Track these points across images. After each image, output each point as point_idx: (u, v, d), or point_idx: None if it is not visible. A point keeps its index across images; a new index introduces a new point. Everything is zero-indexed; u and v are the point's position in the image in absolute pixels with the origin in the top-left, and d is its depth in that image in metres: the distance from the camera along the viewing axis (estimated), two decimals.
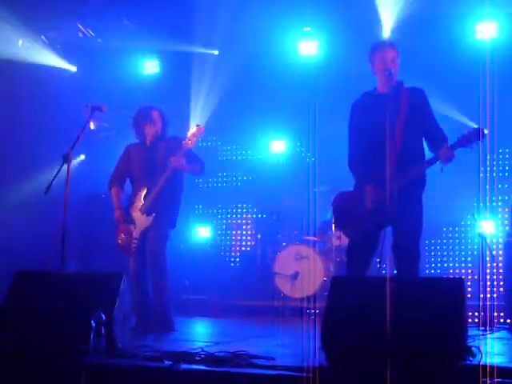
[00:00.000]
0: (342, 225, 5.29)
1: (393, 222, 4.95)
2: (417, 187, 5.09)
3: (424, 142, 5.21)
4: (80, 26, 9.71)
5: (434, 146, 5.08)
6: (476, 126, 4.98)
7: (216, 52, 9.82)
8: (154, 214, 6.31)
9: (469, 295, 7.88)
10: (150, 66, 10.56)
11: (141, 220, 6.36)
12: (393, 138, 4.91)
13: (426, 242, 8.86)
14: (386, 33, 8.59)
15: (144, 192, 6.38)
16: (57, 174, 5.63)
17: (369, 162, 5.11)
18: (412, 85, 5.30)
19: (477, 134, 4.85)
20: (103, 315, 4.29)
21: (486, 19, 8.50)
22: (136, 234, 6.35)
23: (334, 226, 8.36)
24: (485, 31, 8.54)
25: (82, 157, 10.55)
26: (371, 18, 8.51)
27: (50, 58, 10.00)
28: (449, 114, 8.53)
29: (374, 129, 5.07)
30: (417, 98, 5.19)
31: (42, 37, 9.77)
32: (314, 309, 7.47)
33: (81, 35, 9.83)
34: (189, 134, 6.39)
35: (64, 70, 10.27)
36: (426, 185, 5.16)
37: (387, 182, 4.88)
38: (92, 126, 9.64)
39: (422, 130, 5.13)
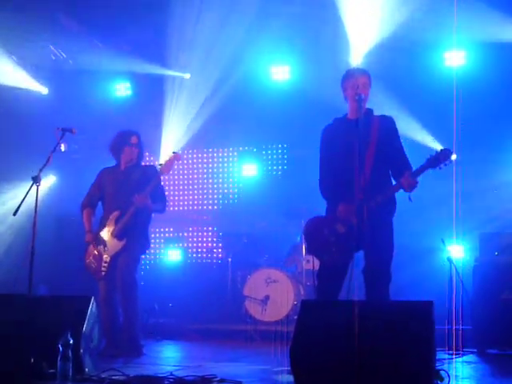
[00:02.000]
0: (315, 250, 5.27)
1: (364, 246, 4.97)
2: (387, 212, 5.14)
3: None
4: (52, 48, 9.68)
5: (398, 174, 5.10)
6: (443, 148, 5.04)
7: (188, 76, 9.85)
8: (125, 239, 6.28)
9: (437, 319, 7.92)
10: (121, 89, 10.57)
11: (112, 244, 6.32)
12: (363, 163, 4.95)
13: (396, 265, 8.89)
14: (358, 59, 8.70)
15: (116, 216, 6.35)
16: (26, 195, 5.58)
17: (340, 187, 5.15)
18: (382, 110, 5.37)
19: (445, 154, 4.93)
20: (71, 338, 4.24)
21: (454, 47, 8.66)
22: (106, 257, 6.31)
23: (305, 250, 8.39)
24: (453, 59, 8.71)
25: (53, 178, 10.47)
26: (343, 44, 8.62)
27: (20, 79, 9.94)
28: (418, 137, 8.65)
29: (345, 154, 5.10)
30: (387, 125, 5.26)
31: (13, 57, 9.72)
32: (284, 333, 7.45)
33: (53, 57, 9.80)
34: (165, 160, 6.40)
35: (35, 91, 10.21)
36: (397, 209, 5.22)
37: (357, 206, 4.90)
38: (63, 147, 9.58)
39: (389, 157, 5.18)
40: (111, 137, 6.65)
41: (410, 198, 5.06)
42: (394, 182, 5.20)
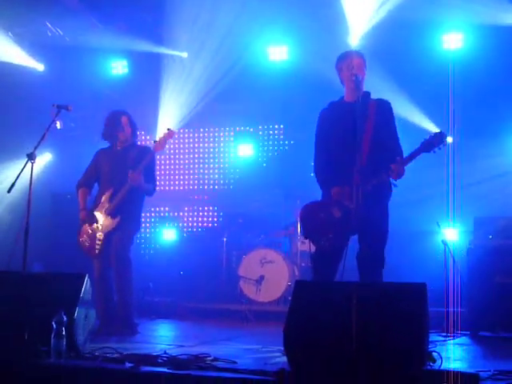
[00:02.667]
0: (311, 235, 5.21)
1: (359, 229, 4.97)
2: (383, 196, 5.12)
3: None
4: (48, 25, 9.61)
5: (390, 159, 5.02)
6: (438, 131, 5.02)
7: (185, 55, 9.80)
8: (119, 217, 6.27)
9: (431, 301, 7.96)
10: (118, 67, 10.51)
11: (105, 222, 6.31)
12: (360, 147, 4.93)
13: (390, 248, 8.90)
14: (356, 40, 8.66)
15: (109, 194, 6.33)
16: (20, 172, 5.55)
17: (336, 171, 5.13)
18: (380, 92, 5.34)
19: (439, 138, 4.91)
20: (64, 316, 4.24)
21: (452, 30, 8.64)
22: (100, 235, 6.30)
23: (301, 234, 8.39)
24: (451, 41, 8.69)
25: (48, 156, 10.44)
26: (341, 25, 8.58)
27: (16, 56, 9.87)
28: (415, 120, 8.64)
29: (342, 138, 5.09)
30: (383, 109, 5.23)
31: (10, 33, 9.65)
32: (278, 313, 7.47)
33: (49, 34, 9.73)
34: (159, 137, 6.39)
35: (31, 68, 10.15)
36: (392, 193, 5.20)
37: (353, 190, 4.87)
38: (58, 125, 9.54)
39: (384, 141, 5.15)
40: (104, 118, 6.59)
41: (395, 185, 5.06)
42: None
